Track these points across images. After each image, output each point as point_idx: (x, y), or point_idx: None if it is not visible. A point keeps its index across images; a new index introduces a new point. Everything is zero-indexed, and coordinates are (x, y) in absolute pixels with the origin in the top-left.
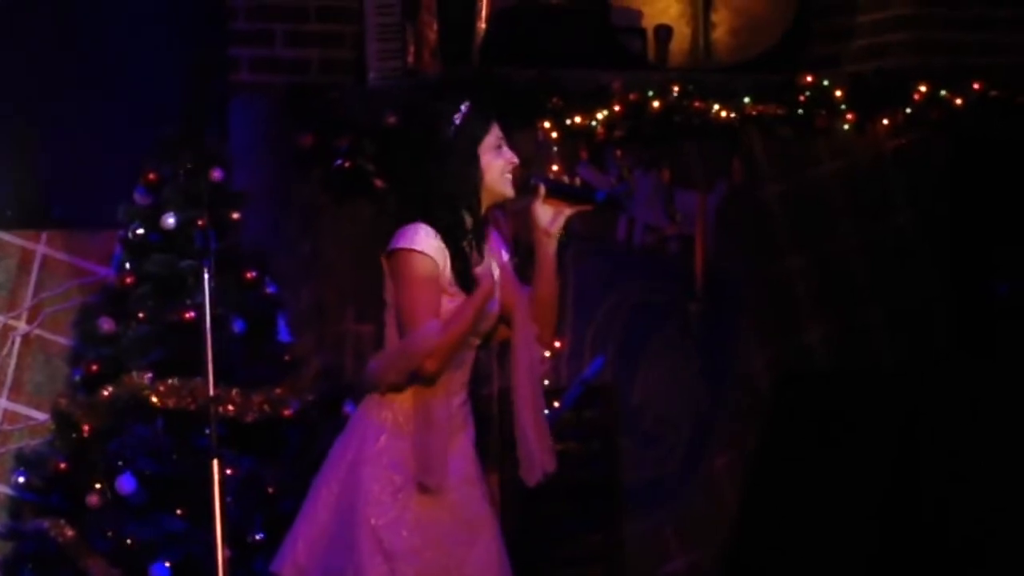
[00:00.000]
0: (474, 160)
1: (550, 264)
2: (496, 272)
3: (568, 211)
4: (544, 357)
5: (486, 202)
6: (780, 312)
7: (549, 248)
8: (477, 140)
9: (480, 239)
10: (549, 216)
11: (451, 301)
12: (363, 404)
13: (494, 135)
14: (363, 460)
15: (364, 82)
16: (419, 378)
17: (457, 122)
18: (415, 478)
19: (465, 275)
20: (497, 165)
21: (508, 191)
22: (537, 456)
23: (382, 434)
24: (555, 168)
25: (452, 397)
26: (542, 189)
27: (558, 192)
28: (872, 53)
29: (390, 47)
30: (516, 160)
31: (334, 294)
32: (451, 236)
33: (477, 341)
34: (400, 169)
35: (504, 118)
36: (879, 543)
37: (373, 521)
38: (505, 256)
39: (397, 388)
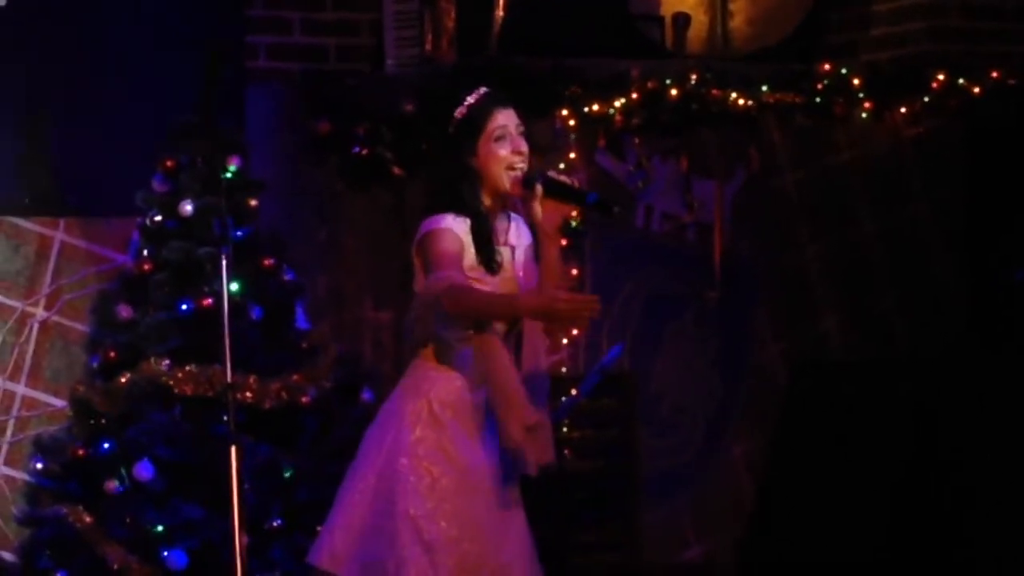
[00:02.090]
0: (472, 155)
1: (551, 261)
2: (516, 256)
3: (564, 210)
4: (553, 348)
5: (489, 195)
6: (796, 301)
7: (550, 246)
8: (475, 134)
9: (488, 230)
10: (547, 214)
11: (476, 285)
12: (397, 393)
13: (495, 124)
14: (400, 451)
15: (381, 69)
16: (451, 323)
17: (458, 116)
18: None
19: (489, 258)
20: (498, 157)
21: (506, 186)
22: (528, 450)
23: (417, 425)
24: (571, 156)
25: (479, 389)
26: (539, 188)
27: (554, 191)
28: (889, 41)
29: (408, 35)
30: (523, 148)
31: (351, 281)
32: (474, 223)
33: (504, 328)
34: (418, 161)
35: (522, 106)
36: (894, 531)
37: (412, 512)
38: (528, 242)
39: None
